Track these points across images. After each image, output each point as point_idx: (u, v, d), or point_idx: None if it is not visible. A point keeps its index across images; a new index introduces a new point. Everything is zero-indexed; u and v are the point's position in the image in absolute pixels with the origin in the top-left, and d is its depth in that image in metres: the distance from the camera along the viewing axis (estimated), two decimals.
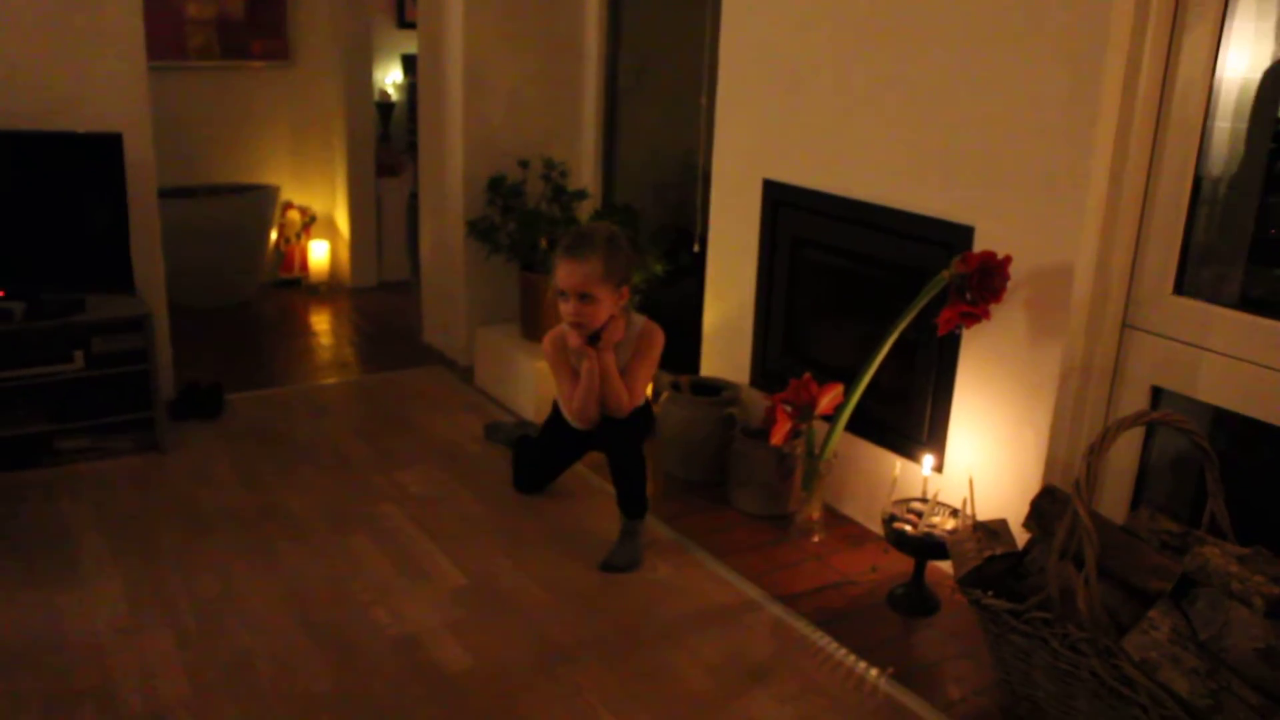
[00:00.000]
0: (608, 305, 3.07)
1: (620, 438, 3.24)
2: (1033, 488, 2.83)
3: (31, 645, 2.69)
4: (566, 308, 3.08)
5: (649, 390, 3.42)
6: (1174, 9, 2.62)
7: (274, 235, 6.08)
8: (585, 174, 4.84)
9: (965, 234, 3.02)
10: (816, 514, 3.39)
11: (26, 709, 2.45)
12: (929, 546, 2.94)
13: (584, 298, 3.02)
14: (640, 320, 3.26)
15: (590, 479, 3.74)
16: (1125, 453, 2.84)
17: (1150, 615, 2.19)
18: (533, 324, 4.43)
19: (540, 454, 3.58)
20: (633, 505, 3.26)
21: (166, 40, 5.51)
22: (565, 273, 3.04)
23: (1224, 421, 2.69)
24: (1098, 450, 2.23)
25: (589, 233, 3.09)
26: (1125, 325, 2.83)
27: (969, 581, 2.53)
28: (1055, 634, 2.27)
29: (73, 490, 3.53)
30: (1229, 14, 2.56)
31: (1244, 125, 2.66)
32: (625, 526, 3.26)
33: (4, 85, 3.69)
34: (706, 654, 2.78)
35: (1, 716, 2.42)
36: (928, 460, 3.12)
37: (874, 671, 2.73)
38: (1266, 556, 2.28)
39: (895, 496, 3.12)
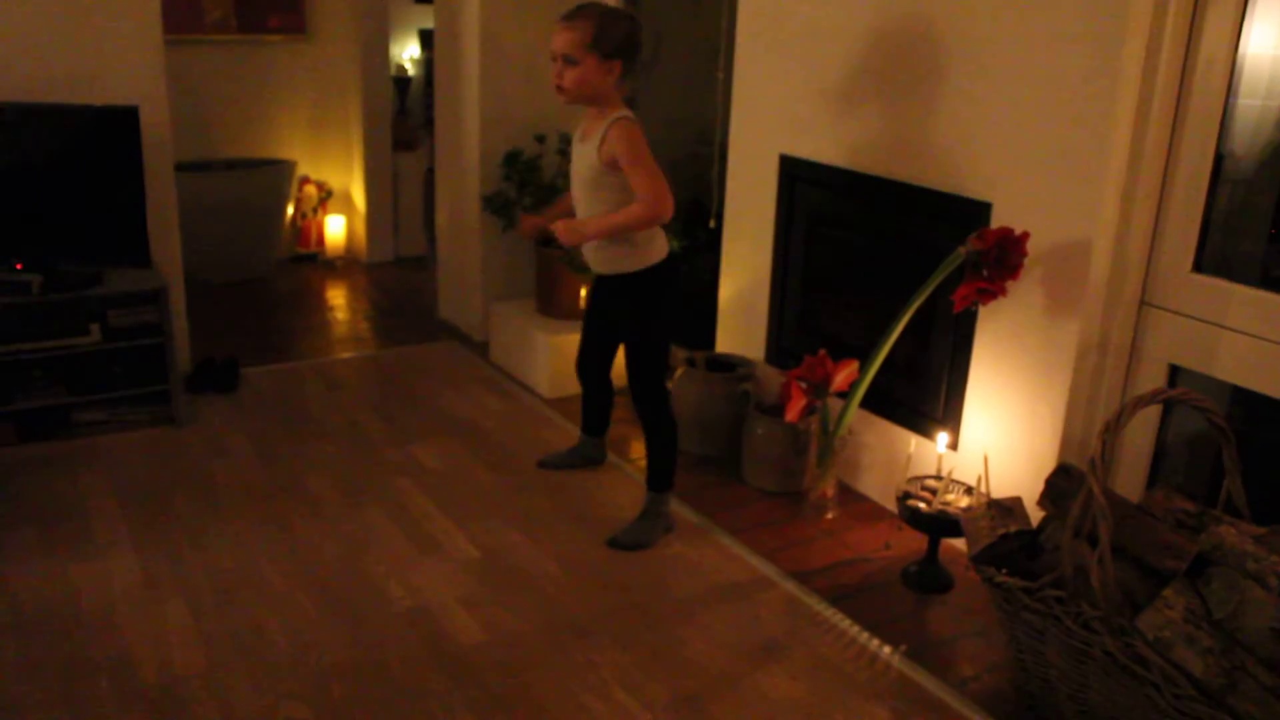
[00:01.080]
0: (592, 74, 2.92)
1: (632, 378, 3.18)
2: (1048, 466, 2.82)
3: (48, 615, 2.71)
4: (554, 70, 2.99)
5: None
6: None
7: (290, 210, 6.09)
8: None
9: (983, 210, 3.00)
10: (830, 491, 3.39)
11: (43, 677, 2.47)
12: (943, 524, 2.94)
13: (567, 60, 2.93)
14: (613, 114, 2.95)
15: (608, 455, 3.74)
16: (1142, 431, 2.83)
17: (1165, 594, 2.18)
18: (549, 299, 4.43)
19: (583, 334, 3.48)
20: (652, 475, 3.26)
21: (184, 13, 5.51)
22: (555, 35, 2.97)
23: (1242, 400, 2.67)
24: (1114, 428, 2.21)
25: (591, 3, 2.99)
26: (1143, 303, 2.80)
27: (983, 559, 2.52)
28: (1069, 612, 2.26)
29: (89, 462, 3.56)
30: None
31: (1266, 103, 2.63)
32: (645, 501, 3.27)
33: (22, 58, 3.70)
34: (719, 630, 2.78)
35: (19, 685, 2.44)
36: (942, 438, 3.11)
37: (887, 649, 2.73)
38: None
39: (910, 474, 3.11)
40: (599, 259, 3.12)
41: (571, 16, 2.94)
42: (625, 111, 2.96)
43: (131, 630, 2.67)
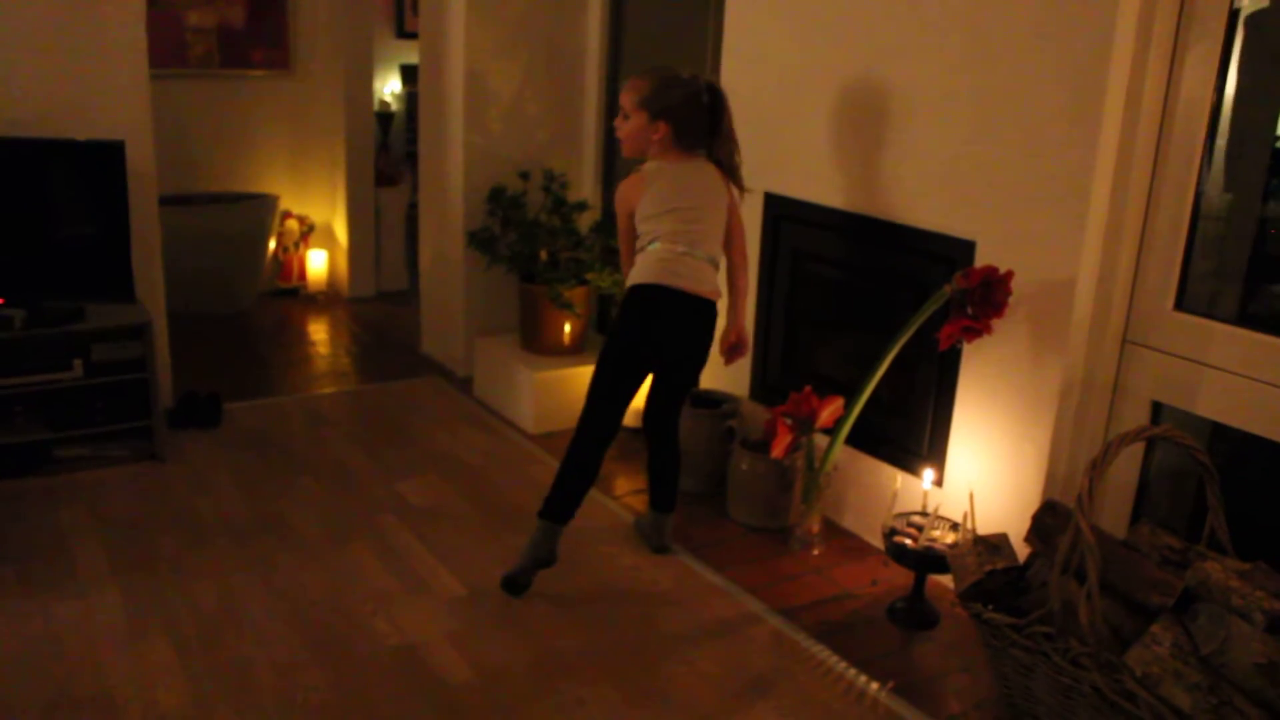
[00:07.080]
0: (636, 130, 3.07)
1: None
2: (1033, 502, 2.84)
3: (29, 654, 2.68)
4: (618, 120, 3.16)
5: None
6: (1176, 27, 2.63)
7: (272, 244, 6.08)
8: (586, 185, 4.85)
9: (967, 249, 3.03)
10: (816, 527, 3.40)
11: (25, 718, 2.44)
12: (929, 560, 2.95)
13: (624, 114, 3.09)
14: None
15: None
16: (1126, 467, 2.85)
17: (1152, 630, 2.19)
18: (532, 335, 4.43)
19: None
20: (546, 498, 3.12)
21: (168, 49, 5.52)
22: (622, 90, 3.14)
23: (1223, 436, 2.70)
24: (1100, 466, 2.24)
25: (662, 67, 3.12)
26: (1126, 340, 2.84)
27: (969, 595, 2.53)
28: (1057, 648, 2.27)
29: (71, 499, 3.53)
30: (1232, 32, 2.57)
31: (1245, 143, 2.68)
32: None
33: (6, 93, 3.69)
34: (707, 667, 2.77)
35: None
36: (928, 474, 3.12)
37: (874, 685, 2.73)
38: (1267, 572, 2.28)
39: (895, 510, 3.12)
40: None
41: (638, 75, 3.10)
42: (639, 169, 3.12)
43: (115, 669, 2.64)
